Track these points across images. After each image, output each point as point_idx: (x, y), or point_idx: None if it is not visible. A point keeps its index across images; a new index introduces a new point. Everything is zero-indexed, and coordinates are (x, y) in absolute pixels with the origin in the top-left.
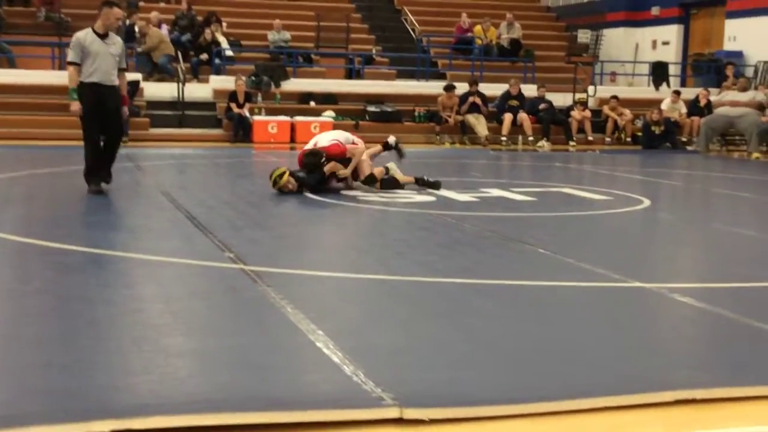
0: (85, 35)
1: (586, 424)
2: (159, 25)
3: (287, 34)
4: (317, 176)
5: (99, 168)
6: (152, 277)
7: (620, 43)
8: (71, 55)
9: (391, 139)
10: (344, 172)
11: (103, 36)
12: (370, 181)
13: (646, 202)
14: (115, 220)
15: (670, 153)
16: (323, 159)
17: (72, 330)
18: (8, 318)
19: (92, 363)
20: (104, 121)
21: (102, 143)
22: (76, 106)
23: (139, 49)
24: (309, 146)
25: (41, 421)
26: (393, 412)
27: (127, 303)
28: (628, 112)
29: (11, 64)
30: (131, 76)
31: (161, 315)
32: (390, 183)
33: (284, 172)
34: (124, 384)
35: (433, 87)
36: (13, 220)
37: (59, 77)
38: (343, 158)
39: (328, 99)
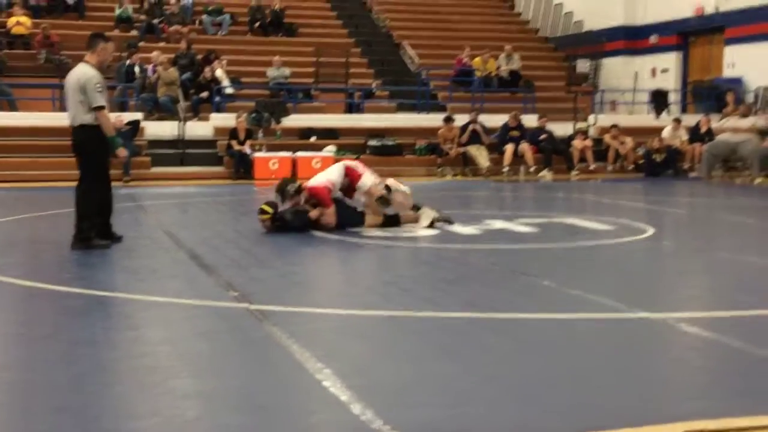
0: (96, 74)
1: None
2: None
3: (287, 71)
4: (303, 220)
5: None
6: (157, 319)
7: (619, 71)
8: (101, 99)
9: (431, 214)
10: (328, 221)
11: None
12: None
13: (650, 231)
14: (119, 261)
15: (672, 180)
16: (289, 186)
17: (80, 374)
18: (17, 363)
19: (101, 407)
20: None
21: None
22: (124, 152)
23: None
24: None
25: None
26: None
27: (133, 346)
28: (629, 140)
29: (12, 106)
30: (133, 115)
31: (168, 357)
32: (393, 221)
33: (265, 211)
34: (132, 428)
35: (434, 119)
36: (17, 264)
37: (60, 119)
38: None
39: (329, 134)
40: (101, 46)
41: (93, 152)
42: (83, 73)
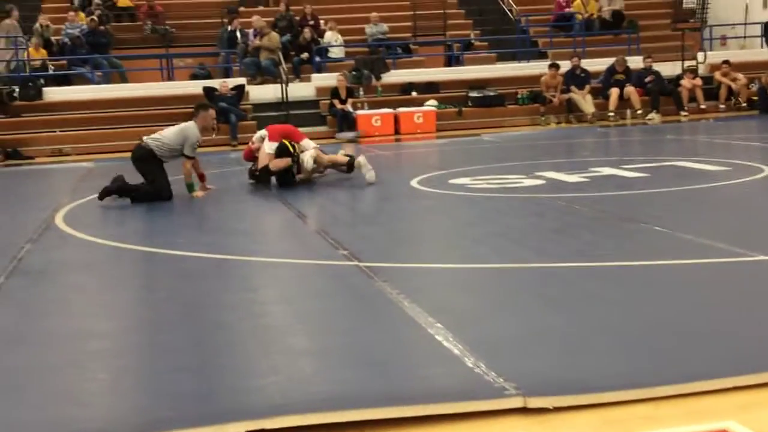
0: (198, 134)
1: (711, 406)
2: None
3: (384, 26)
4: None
5: None
6: (271, 279)
7: (729, 4)
8: (192, 153)
9: (362, 162)
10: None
11: None
12: (263, 172)
13: (767, 171)
14: (231, 224)
15: None
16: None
17: (200, 335)
18: (141, 325)
19: (222, 366)
20: None
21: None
22: (200, 194)
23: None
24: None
25: (178, 425)
26: (516, 402)
27: (250, 306)
28: (741, 77)
29: (123, 78)
30: (237, 80)
31: (284, 316)
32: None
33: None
34: (253, 385)
35: (535, 67)
36: (134, 232)
37: (168, 88)
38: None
39: (429, 88)
40: (201, 114)
41: (150, 166)
42: (188, 126)
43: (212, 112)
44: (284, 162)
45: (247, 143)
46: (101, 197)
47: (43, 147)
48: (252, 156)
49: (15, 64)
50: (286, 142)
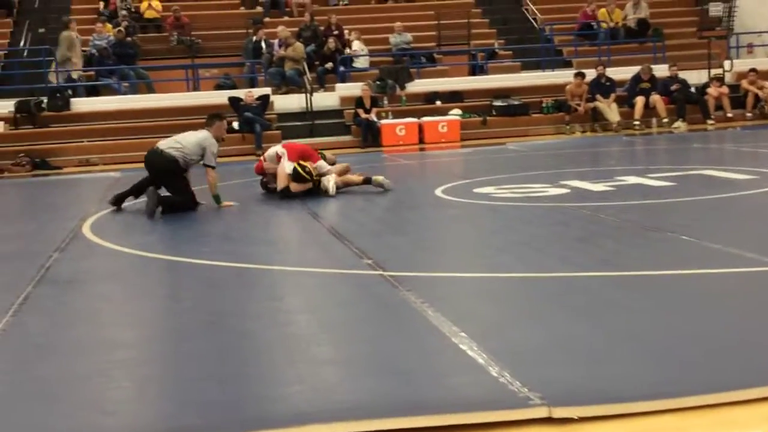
0: (216, 143)
1: (739, 417)
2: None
3: (409, 36)
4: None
5: None
6: (296, 288)
7: (755, 12)
8: (214, 162)
9: (380, 180)
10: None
11: None
12: (285, 193)
13: None
14: (255, 233)
15: None
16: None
17: (226, 344)
18: (167, 334)
19: (247, 375)
20: None
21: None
22: (230, 204)
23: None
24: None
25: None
26: (541, 412)
27: (274, 315)
28: None
29: (150, 89)
30: (262, 90)
31: (308, 325)
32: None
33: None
34: (278, 394)
35: (560, 76)
36: (159, 241)
37: (194, 98)
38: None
39: (453, 97)
40: (217, 124)
41: (179, 177)
42: (206, 137)
43: (225, 123)
44: (305, 187)
45: None
46: (151, 215)
47: (71, 157)
48: (263, 171)
49: (77, 74)
50: (300, 169)
